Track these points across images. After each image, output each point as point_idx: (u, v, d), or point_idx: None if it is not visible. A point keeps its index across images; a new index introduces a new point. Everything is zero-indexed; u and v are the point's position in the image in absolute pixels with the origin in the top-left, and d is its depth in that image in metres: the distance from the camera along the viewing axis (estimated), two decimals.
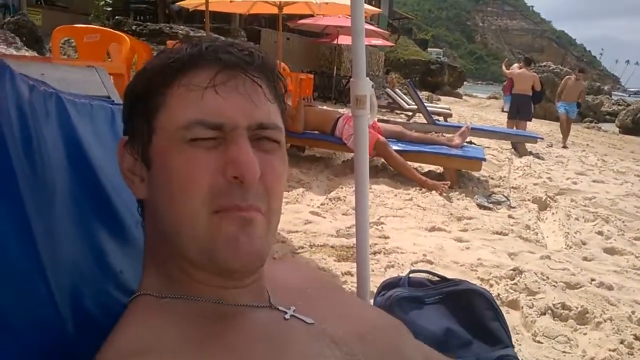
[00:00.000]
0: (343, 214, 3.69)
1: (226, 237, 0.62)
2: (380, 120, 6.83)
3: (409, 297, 1.35)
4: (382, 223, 3.54)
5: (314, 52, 18.70)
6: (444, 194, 4.40)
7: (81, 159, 0.81)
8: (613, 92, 37.08)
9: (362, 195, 1.28)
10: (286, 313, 0.69)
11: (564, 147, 10.26)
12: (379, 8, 19.43)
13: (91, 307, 0.72)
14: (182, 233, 0.63)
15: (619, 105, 27.00)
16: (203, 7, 6.33)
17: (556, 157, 8.06)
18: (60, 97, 0.81)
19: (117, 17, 14.63)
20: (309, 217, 3.49)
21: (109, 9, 14.10)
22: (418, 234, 3.41)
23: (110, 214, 0.85)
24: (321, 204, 3.89)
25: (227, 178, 0.62)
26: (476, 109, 24.31)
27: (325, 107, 8.72)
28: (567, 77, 11.80)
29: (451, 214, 3.89)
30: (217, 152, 0.62)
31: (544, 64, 25.36)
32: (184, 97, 0.63)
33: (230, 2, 8.23)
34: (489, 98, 33.90)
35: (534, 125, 13.08)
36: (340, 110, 5.90)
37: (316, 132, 5.24)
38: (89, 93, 1.01)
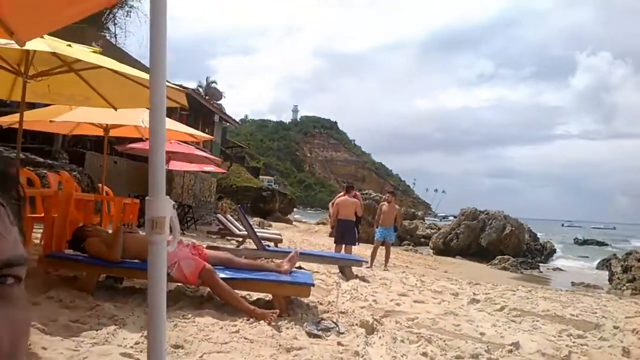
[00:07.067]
0: None
1: None
2: (209, 247, 6.58)
3: None
4: None
5: (144, 177, 18.06)
6: (273, 323, 4.19)
7: None
8: (426, 217, 41.53)
9: (157, 332, 1.06)
10: None
11: (385, 269, 10.83)
12: (212, 136, 19.87)
13: None
14: None
15: (432, 229, 30.21)
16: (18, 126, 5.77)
17: (380, 279, 8.39)
18: None
19: None
20: None
21: None
22: None
23: None
24: (135, 343, 3.38)
25: None
26: (306, 234, 25.17)
27: None
28: (382, 202, 12.38)
29: (280, 345, 3.67)
30: None
31: (366, 191, 27.76)
32: None
33: (51, 122, 7.70)
34: (318, 224, 35.56)
35: (359, 249, 13.74)
36: None
37: (136, 260, 4.79)
38: None
